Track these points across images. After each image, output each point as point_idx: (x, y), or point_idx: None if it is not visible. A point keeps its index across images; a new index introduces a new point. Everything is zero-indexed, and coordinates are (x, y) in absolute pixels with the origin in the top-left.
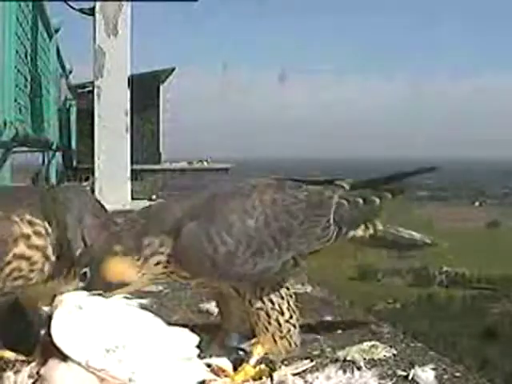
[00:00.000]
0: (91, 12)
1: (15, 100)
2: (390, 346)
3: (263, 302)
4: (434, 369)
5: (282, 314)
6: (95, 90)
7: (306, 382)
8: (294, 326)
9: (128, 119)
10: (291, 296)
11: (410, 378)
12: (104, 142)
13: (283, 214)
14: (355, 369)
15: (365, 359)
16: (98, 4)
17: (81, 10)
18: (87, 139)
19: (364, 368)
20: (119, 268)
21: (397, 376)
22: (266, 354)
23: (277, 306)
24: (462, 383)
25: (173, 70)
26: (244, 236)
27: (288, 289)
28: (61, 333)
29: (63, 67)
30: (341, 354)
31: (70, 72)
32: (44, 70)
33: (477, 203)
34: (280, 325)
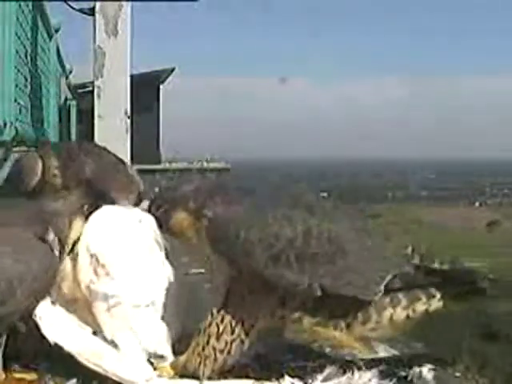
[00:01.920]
0: (91, 12)
1: (15, 100)
2: (390, 346)
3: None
4: (433, 369)
5: (218, 341)
6: (95, 90)
7: (305, 382)
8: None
9: (128, 119)
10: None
11: (409, 378)
12: (104, 142)
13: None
14: (355, 369)
15: (365, 359)
16: (98, 4)
17: (81, 10)
18: (87, 139)
19: (364, 368)
20: (183, 221)
21: (397, 376)
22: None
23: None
24: (462, 383)
25: (173, 70)
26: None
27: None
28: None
29: (63, 67)
30: (341, 353)
31: (70, 72)
32: (44, 69)
33: (477, 203)
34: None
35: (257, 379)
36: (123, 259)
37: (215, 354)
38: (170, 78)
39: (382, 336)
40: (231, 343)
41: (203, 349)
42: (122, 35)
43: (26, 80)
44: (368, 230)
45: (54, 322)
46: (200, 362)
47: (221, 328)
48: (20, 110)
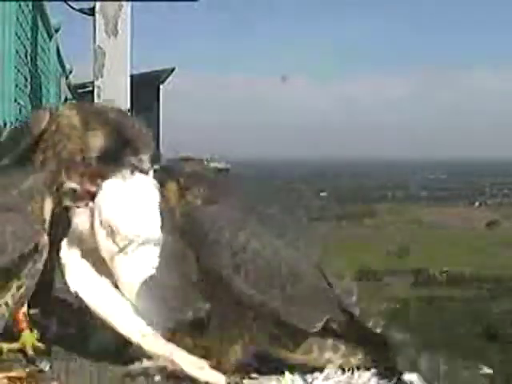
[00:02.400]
0: (91, 12)
1: (15, 100)
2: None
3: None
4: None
5: None
6: (95, 90)
7: (305, 381)
8: None
9: None
10: None
11: (407, 378)
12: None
13: None
14: (355, 368)
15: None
16: (97, 4)
17: (81, 10)
18: None
19: (364, 368)
20: (170, 192)
21: (396, 376)
22: None
23: None
24: (462, 383)
25: (173, 69)
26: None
27: None
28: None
29: (63, 67)
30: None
31: (70, 72)
32: (44, 70)
33: (477, 203)
34: None
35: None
36: (131, 223)
37: None
38: (170, 78)
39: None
40: None
41: None
42: (122, 35)
43: (26, 80)
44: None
45: (77, 271)
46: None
47: None
48: (20, 110)
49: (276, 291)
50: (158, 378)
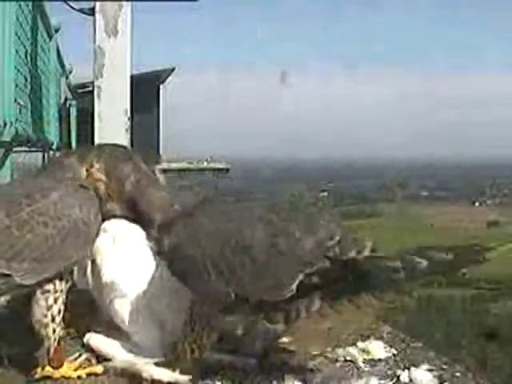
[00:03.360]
0: (91, 12)
1: (15, 100)
2: (390, 346)
3: None
4: (430, 370)
5: None
6: (95, 90)
7: (306, 381)
8: None
9: (128, 119)
10: None
11: (407, 378)
12: (104, 142)
13: None
14: (355, 369)
15: (365, 359)
16: (97, 4)
17: (81, 10)
18: (87, 139)
19: (364, 368)
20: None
21: (397, 376)
22: None
23: None
24: (462, 383)
25: (173, 69)
26: None
27: None
28: None
29: (63, 67)
30: (341, 353)
31: (70, 72)
32: (44, 69)
33: (477, 203)
34: None
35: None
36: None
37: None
38: (169, 78)
39: None
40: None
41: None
42: (122, 35)
43: (26, 80)
44: (282, 223)
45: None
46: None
47: None
48: (20, 110)
49: (235, 274)
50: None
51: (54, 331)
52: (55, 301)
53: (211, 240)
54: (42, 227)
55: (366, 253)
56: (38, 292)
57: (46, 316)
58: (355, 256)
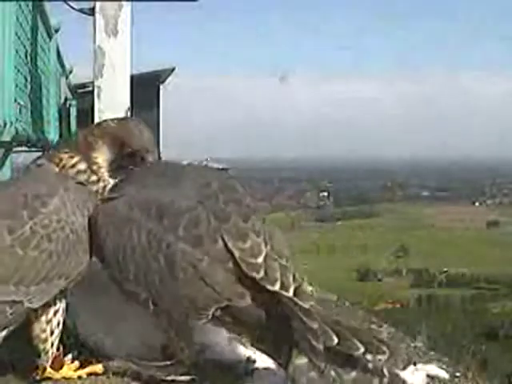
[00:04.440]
0: (91, 12)
1: (15, 100)
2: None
3: None
4: (430, 370)
5: None
6: (95, 90)
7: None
8: None
9: None
10: None
11: (406, 378)
12: None
13: None
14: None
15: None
16: (98, 4)
17: (81, 10)
18: None
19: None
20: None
21: (396, 376)
22: None
23: None
24: (462, 383)
25: (173, 69)
26: None
27: None
28: None
29: (63, 67)
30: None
31: (70, 72)
32: (44, 70)
33: (477, 203)
34: None
35: None
36: None
37: None
38: (169, 78)
39: None
40: None
41: None
42: (122, 35)
43: (26, 80)
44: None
45: None
46: None
47: None
48: (20, 110)
49: (155, 284)
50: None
51: (52, 345)
52: (55, 314)
53: (131, 239)
54: (46, 242)
55: (291, 291)
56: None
57: (44, 331)
58: (278, 290)
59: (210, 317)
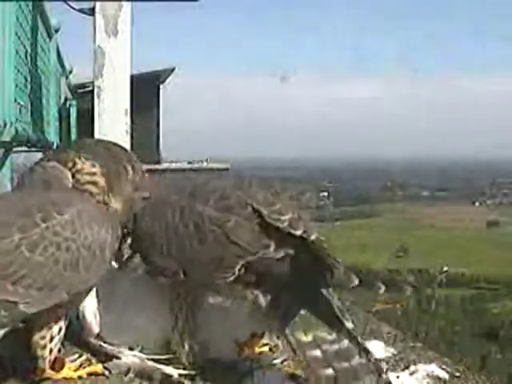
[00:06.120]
0: (91, 12)
1: (15, 100)
2: (390, 346)
3: None
4: (430, 369)
5: None
6: (95, 90)
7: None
8: None
9: (128, 119)
10: None
11: (406, 378)
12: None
13: None
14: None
15: None
16: (98, 4)
17: (81, 10)
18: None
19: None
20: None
21: (396, 376)
22: None
23: None
24: (462, 383)
25: (173, 69)
26: None
27: None
28: None
29: (63, 67)
30: None
31: (70, 72)
32: (44, 70)
33: (477, 203)
34: None
35: None
36: None
37: None
38: (169, 78)
39: None
40: None
41: None
42: (122, 35)
43: (26, 80)
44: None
45: None
46: None
47: None
48: (20, 110)
49: (184, 254)
50: (131, 375)
51: (51, 351)
52: (56, 320)
53: (164, 218)
54: (55, 249)
55: (314, 236)
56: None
57: (44, 338)
58: (303, 234)
59: (236, 274)
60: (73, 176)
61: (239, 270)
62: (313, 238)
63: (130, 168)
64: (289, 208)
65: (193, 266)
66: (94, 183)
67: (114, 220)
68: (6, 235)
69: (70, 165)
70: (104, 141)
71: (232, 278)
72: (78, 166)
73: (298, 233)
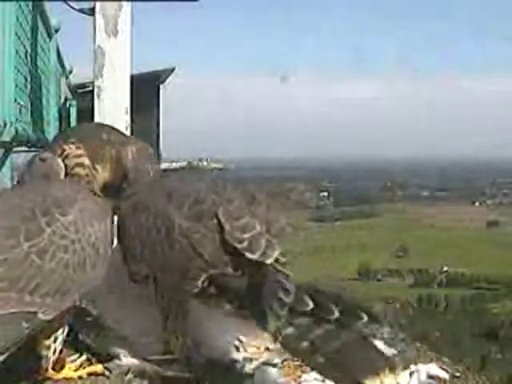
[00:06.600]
0: (91, 12)
1: (15, 100)
2: (390, 346)
3: None
4: (429, 369)
5: None
6: (95, 90)
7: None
8: None
9: (128, 119)
10: None
11: (406, 377)
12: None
13: None
14: None
15: None
16: (98, 4)
17: (81, 10)
18: None
19: None
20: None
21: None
22: None
23: None
24: (462, 383)
25: (173, 69)
26: None
27: None
28: None
29: (63, 67)
30: None
31: (70, 72)
32: (44, 70)
33: (477, 203)
34: None
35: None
36: None
37: None
38: (170, 78)
39: None
40: None
41: None
42: (122, 35)
43: (26, 80)
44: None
45: None
46: None
47: None
48: (20, 110)
49: (156, 259)
50: (131, 375)
51: (55, 351)
52: (60, 320)
53: (141, 221)
54: (63, 253)
55: (271, 260)
56: None
57: (48, 338)
58: (258, 259)
59: (199, 287)
60: (64, 163)
61: (203, 282)
62: (269, 261)
63: (104, 134)
64: (256, 221)
65: (162, 272)
66: (81, 165)
67: (109, 212)
68: (15, 244)
69: (59, 152)
70: (92, 123)
71: (196, 290)
72: (66, 152)
73: (254, 257)
